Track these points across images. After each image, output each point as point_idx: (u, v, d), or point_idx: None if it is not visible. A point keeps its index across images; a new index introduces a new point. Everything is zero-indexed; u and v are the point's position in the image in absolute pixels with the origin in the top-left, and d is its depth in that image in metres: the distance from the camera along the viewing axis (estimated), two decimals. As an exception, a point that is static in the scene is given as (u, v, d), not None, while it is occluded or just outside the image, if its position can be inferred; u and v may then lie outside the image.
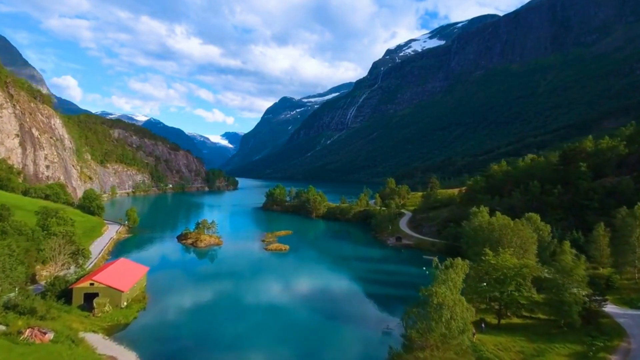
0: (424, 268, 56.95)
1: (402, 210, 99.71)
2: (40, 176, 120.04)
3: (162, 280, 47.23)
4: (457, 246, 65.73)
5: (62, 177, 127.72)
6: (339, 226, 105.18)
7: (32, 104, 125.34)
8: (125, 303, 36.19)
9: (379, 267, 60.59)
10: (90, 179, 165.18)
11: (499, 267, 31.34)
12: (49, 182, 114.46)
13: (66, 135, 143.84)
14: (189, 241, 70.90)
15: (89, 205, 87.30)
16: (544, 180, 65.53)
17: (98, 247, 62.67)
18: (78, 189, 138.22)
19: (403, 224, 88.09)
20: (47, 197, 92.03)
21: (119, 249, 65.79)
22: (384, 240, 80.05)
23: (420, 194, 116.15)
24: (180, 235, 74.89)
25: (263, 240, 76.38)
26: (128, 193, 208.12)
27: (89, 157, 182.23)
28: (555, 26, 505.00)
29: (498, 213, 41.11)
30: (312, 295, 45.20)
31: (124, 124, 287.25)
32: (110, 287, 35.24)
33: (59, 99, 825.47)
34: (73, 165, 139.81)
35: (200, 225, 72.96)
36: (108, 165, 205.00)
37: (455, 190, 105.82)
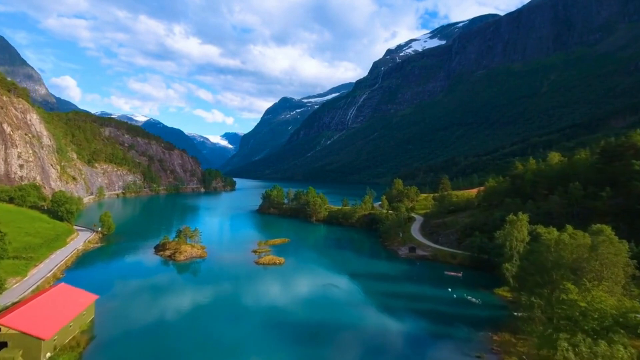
0: (450, 289, 46.63)
1: (412, 215, 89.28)
2: (13, 176, 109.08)
3: (120, 311, 36.66)
4: (484, 259, 55.61)
5: (38, 178, 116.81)
6: (342, 232, 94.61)
7: (4, 97, 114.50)
8: (48, 354, 25.66)
9: (392, 288, 49.58)
10: (74, 179, 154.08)
11: (593, 311, 20.92)
12: (23, 183, 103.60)
13: (45, 132, 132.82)
14: (167, 253, 60.24)
15: (57, 209, 76.51)
16: (584, 182, 55.61)
17: (54, 261, 52.03)
18: (57, 190, 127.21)
19: (414, 230, 77.70)
20: (11, 200, 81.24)
21: (81, 264, 55.15)
22: (394, 249, 69.61)
23: (429, 195, 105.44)
24: (158, 246, 64.18)
25: (255, 251, 65.71)
26: (117, 194, 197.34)
27: (75, 157, 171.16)
28: (557, 25, 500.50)
29: (569, 227, 30.92)
30: (309, 329, 34.69)
31: (116, 122, 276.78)
32: (24, 333, 24.74)
33: (58, 99, 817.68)
34: (52, 165, 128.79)
35: (181, 234, 62.38)
36: (96, 165, 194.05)
37: (472, 192, 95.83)
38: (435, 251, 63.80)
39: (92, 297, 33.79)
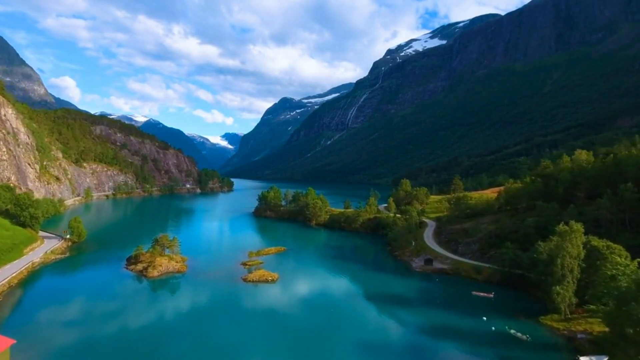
0: (484, 318, 37.21)
1: (423, 219, 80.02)
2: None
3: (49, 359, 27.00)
4: (516, 275, 46.40)
5: (13, 178, 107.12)
6: (344, 238, 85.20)
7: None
8: None
9: (410, 315, 40.01)
10: (57, 179, 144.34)
11: None
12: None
13: (22, 129, 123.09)
14: (139, 267, 50.68)
15: (20, 214, 66.84)
16: (636, 183, 46.74)
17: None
18: (36, 191, 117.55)
19: (428, 237, 68.43)
20: (-30, 203, 71.57)
21: (31, 282, 45.60)
22: (406, 261, 60.23)
23: (442, 197, 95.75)
24: (131, 258, 54.60)
25: (245, 264, 56.24)
26: (107, 195, 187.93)
27: (60, 155, 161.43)
28: (559, 25, 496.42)
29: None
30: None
31: (109, 120, 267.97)
32: None
33: (57, 99, 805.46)
34: (29, 164, 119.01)
35: (157, 244, 52.92)
36: (84, 164, 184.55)
37: (486, 193, 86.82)
38: (455, 264, 54.47)
39: (4, 343, 24.43)
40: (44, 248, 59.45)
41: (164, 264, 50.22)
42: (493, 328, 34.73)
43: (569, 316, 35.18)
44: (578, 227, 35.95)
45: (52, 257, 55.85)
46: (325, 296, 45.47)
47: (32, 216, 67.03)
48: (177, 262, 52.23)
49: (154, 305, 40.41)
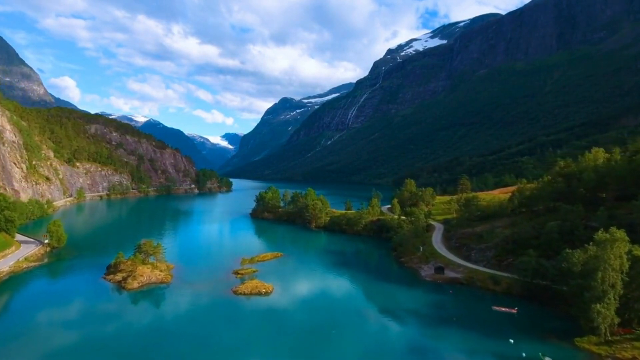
0: (511, 340, 32.09)
1: (430, 221, 75.07)
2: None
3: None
4: (539, 286, 41.41)
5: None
6: (346, 242, 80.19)
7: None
8: None
9: (424, 338, 34.86)
10: (47, 179, 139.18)
11: None
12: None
13: (8, 127, 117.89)
14: (119, 277, 45.54)
15: (-7, 217, 61.79)
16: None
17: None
18: (23, 191, 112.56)
19: (436, 242, 63.41)
20: (-57, 205, 66.21)
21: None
22: (414, 268, 55.14)
23: (444, 198, 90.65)
24: (110, 266, 49.41)
25: (237, 272, 51.16)
26: (101, 196, 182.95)
27: (51, 155, 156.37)
28: (560, 24, 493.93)
29: None
30: None
31: (105, 119, 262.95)
32: None
33: (57, 99, 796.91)
34: (15, 163, 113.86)
35: (139, 251, 47.79)
36: (78, 164, 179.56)
37: (494, 193, 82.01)
38: (470, 272, 49.37)
39: None
40: (18, 255, 54.31)
41: (146, 274, 45.03)
42: (524, 354, 29.53)
43: (609, 338, 30.25)
44: (621, 234, 30.95)
45: (25, 266, 50.61)
46: (324, 311, 40.35)
47: (7, 219, 61.83)
48: (161, 271, 47.04)
49: (127, 326, 34.88)
